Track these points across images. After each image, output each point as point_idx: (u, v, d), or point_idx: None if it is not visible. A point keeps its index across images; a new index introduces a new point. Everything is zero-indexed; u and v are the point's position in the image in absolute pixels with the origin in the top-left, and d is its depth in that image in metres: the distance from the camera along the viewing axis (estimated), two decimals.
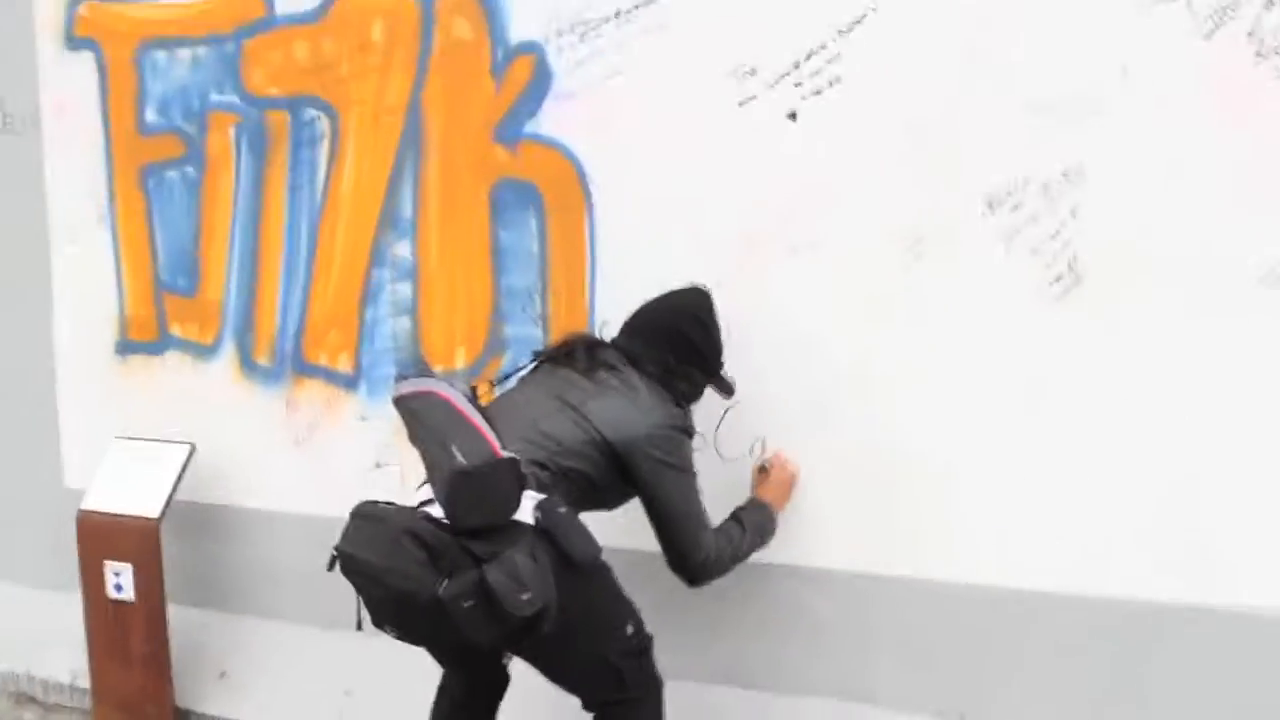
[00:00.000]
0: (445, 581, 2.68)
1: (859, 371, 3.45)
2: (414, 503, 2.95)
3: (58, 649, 4.64)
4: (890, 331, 3.40)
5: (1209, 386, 3.11)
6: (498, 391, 3.34)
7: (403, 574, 2.71)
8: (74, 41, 4.58)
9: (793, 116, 3.44)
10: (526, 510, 2.82)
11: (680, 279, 3.53)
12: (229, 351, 4.44)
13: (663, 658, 3.66)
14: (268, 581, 4.43)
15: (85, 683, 4.49)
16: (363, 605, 2.86)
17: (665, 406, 3.13)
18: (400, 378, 3.12)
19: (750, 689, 3.70)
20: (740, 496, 3.45)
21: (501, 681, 3.36)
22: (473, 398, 3.07)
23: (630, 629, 3.10)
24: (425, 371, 3.21)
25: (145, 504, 4.24)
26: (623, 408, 3.08)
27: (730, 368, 3.35)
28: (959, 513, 3.39)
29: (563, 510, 2.87)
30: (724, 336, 3.31)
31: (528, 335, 3.87)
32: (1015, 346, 3.26)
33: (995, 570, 3.37)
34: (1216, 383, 3.10)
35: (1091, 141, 3.12)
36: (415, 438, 2.92)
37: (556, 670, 3.10)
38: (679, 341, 3.23)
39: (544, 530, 2.81)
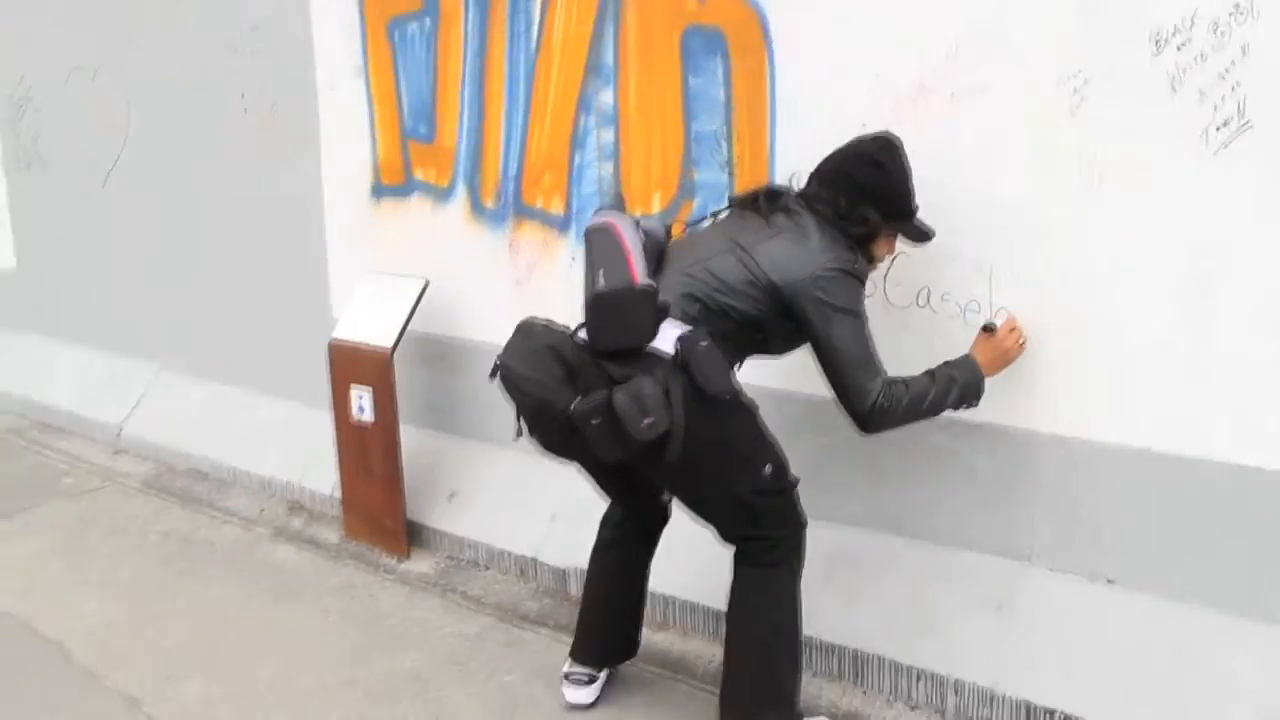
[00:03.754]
0: (578, 398, 2.90)
1: (1027, 223, 3.33)
2: (575, 323, 3.10)
3: (323, 463, 5.15)
4: (1058, 181, 3.25)
5: None
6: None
7: (542, 385, 2.95)
8: None
9: None
10: (669, 340, 2.94)
11: (855, 124, 3.52)
12: (461, 194, 4.73)
13: (830, 503, 3.75)
14: (492, 411, 4.73)
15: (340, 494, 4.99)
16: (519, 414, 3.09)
17: (835, 249, 3.07)
18: (597, 210, 3.30)
19: (915, 539, 3.71)
20: (911, 347, 3.46)
21: (660, 515, 3.51)
22: (662, 234, 3.27)
23: (768, 469, 3.10)
24: (619, 206, 3.33)
25: (382, 334, 4.63)
26: (790, 249, 3.06)
27: None
28: (1123, 373, 3.25)
29: (704, 345, 2.93)
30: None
31: (715, 180, 3.93)
32: (1182, 197, 3.07)
33: (1154, 434, 3.23)
34: None
35: None
36: (586, 263, 3.11)
37: (690, 499, 3.21)
38: (851, 184, 3.13)
39: (682, 361, 2.92)
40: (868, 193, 3.13)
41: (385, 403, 4.62)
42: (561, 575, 4.32)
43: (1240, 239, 3.00)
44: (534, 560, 4.42)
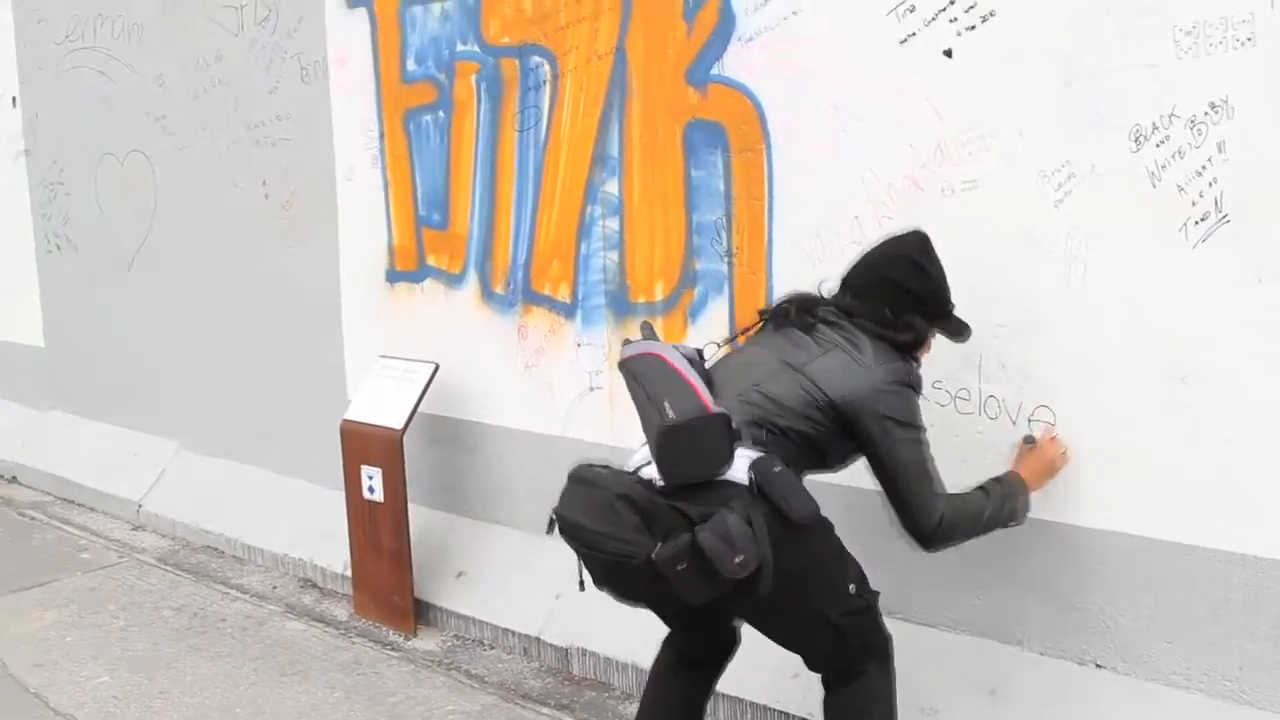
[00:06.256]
0: (659, 545, 2.69)
1: (1014, 314, 3.42)
2: (632, 463, 2.97)
3: (336, 541, 5.24)
4: (1044, 273, 3.34)
5: None
6: (722, 352, 3.29)
7: (618, 539, 2.74)
8: (353, 0, 5.11)
9: (948, 54, 3.44)
10: (741, 469, 2.78)
11: (849, 217, 3.65)
12: (472, 280, 4.86)
13: None
14: (500, 490, 4.85)
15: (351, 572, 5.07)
16: (583, 566, 2.91)
17: (891, 362, 2.99)
18: (626, 342, 3.16)
19: (908, 621, 3.74)
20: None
21: (729, 643, 3.33)
22: (697, 359, 3.09)
23: (852, 587, 3.00)
24: (650, 336, 3.16)
25: (393, 416, 4.74)
26: (846, 366, 2.97)
27: None
28: (1110, 460, 3.31)
29: (778, 469, 2.80)
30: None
31: (716, 270, 4.05)
32: (1164, 288, 3.15)
33: (1141, 520, 3.28)
34: None
35: (1239, 73, 2.97)
36: (634, 398, 2.94)
37: (777, 631, 3.06)
38: (894, 290, 3.06)
39: (759, 489, 2.77)
40: (911, 297, 3.07)
41: (394, 482, 4.72)
42: (564, 654, 4.38)
43: (1220, 329, 3.08)
44: (537, 639, 4.48)
